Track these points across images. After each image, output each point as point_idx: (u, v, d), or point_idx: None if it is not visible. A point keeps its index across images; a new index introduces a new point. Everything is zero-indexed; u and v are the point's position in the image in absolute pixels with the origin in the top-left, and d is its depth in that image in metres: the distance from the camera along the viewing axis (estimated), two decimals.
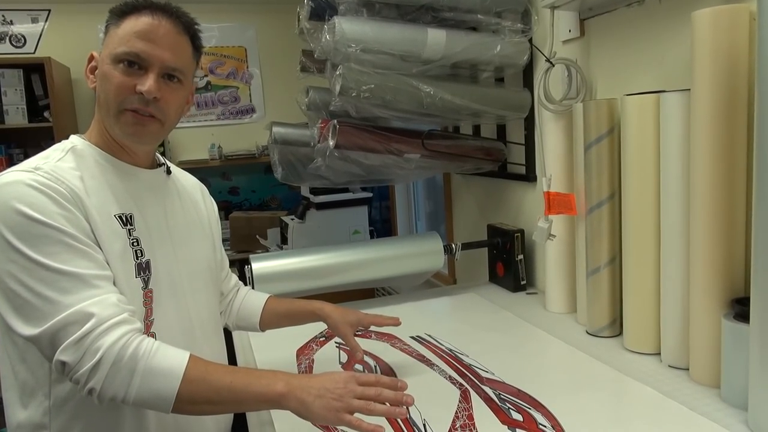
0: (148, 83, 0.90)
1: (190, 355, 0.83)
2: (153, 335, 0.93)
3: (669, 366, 1.19)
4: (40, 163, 0.88)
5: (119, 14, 0.93)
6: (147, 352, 0.80)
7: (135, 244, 0.92)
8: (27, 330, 0.80)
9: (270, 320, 1.22)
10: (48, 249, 0.81)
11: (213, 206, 1.20)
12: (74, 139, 0.97)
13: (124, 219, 0.92)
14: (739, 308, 1.02)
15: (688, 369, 1.15)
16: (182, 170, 1.17)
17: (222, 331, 1.14)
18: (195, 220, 1.09)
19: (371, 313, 1.24)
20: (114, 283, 0.86)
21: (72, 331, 0.78)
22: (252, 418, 1.12)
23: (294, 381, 0.84)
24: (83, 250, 0.83)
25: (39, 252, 0.80)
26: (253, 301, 1.23)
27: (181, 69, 0.95)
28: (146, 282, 0.93)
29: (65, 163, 0.91)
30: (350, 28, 1.49)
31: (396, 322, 1.22)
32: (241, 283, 1.29)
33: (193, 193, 1.13)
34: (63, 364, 0.78)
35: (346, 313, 1.20)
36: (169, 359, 0.81)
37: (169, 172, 1.07)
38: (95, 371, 0.78)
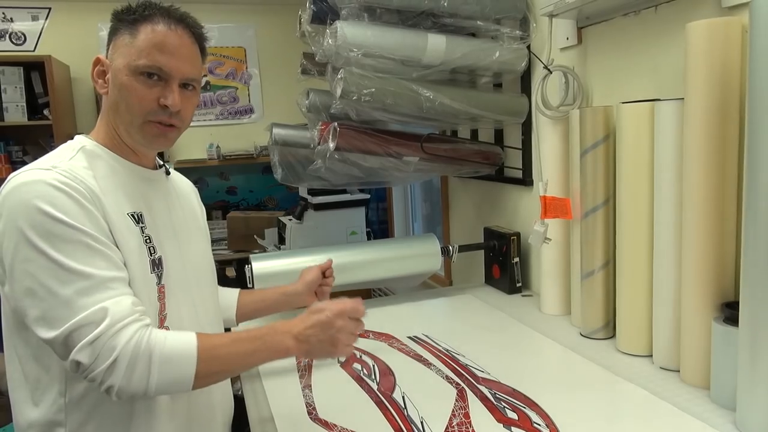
0: (171, 97, 0.93)
1: (197, 335, 0.87)
2: (167, 329, 0.95)
3: (660, 368, 1.22)
4: (56, 161, 0.89)
5: (131, 22, 0.93)
6: (158, 342, 0.83)
7: (148, 241, 0.95)
8: (43, 333, 0.81)
9: (245, 311, 1.28)
10: (67, 248, 0.82)
11: (203, 208, 1.23)
12: (82, 140, 0.98)
13: (136, 217, 0.94)
14: (729, 312, 1.05)
15: (678, 371, 1.18)
16: (176, 172, 1.19)
17: (222, 323, 1.17)
18: (193, 220, 1.13)
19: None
20: (129, 284, 0.88)
21: (87, 332, 0.80)
22: (253, 414, 1.14)
23: (296, 331, 0.94)
24: (101, 250, 0.85)
25: (58, 251, 0.81)
26: (226, 296, 1.27)
27: (197, 78, 0.99)
28: (159, 278, 0.95)
29: (77, 162, 0.92)
30: (352, 32, 1.51)
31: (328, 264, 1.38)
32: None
33: (188, 195, 1.17)
34: (78, 364, 0.80)
35: (305, 282, 1.32)
36: (180, 344, 0.85)
37: (168, 173, 1.10)
38: (111, 370, 0.80)
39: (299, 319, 0.96)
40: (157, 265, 0.95)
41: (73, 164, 0.90)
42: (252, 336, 0.93)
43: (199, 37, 0.99)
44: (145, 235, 0.94)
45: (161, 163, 1.09)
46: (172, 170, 1.15)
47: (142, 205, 0.97)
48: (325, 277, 1.35)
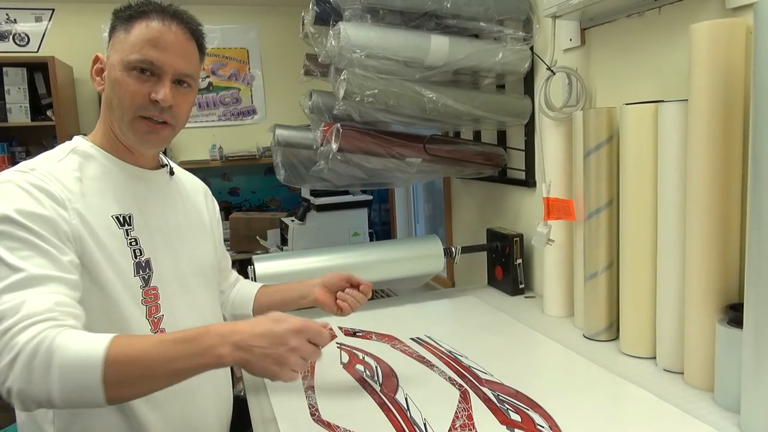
0: (163, 91, 0.92)
1: (113, 336, 0.76)
2: (162, 331, 0.95)
3: (664, 370, 1.21)
4: (39, 163, 0.91)
5: (127, 18, 0.94)
6: (62, 343, 0.74)
7: (133, 243, 0.94)
8: None
9: (262, 305, 1.23)
10: (11, 245, 0.81)
11: (215, 207, 1.22)
12: (78, 141, 0.99)
13: (121, 219, 0.94)
14: (733, 314, 1.04)
15: (682, 373, 1.17)
16: (186, 171, 1.19)
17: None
18: (197, 220, 1.11)
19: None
20: (77, 288, 0.84)
21: None
22: (255, 415, 1.14)
23: (236, 338, 0.79)
24: (47, 250, 0.82)
25: (4, 247, 0.80)
26: (247, 289, 1.26)
27: (192, 74, 0.97)
28: (146, 280, 0.95)
29: (65, 164, 0.93)
30: (355, 33, 1.51)
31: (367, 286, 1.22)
32: (240, 277, 1.31)
33: (195, 194, 1.15)
34: None
35: (321, 281, 1.21)
36: (86, 345, 0.75)
37: (172, 173, 1.09)
38: (10, 368, 0.73)
39: (248, 324, 0.81)
40: (143, 267, 0.94)
41: (60, 166, 0.92)
42: (180, 337, 0.79)
43: (194, 33, 0.98)
44: (130, 237, 0.94)
45: (164, 162, 1.09)
46: (180, 170, 1.15)
47: (133, 206, 0.97)
48: (353, 287, 1.21)
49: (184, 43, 0.96)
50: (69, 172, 0.92)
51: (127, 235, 0.94)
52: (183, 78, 0.96)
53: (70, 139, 1.00)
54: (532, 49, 1.73)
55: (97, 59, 0.98)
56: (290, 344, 0.80)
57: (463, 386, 1.19)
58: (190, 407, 0.99)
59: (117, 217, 0.94)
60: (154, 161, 1.05)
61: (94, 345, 0.74)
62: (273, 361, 0.80)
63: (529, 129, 1.83)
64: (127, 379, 0.76)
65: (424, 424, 1.04)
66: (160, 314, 0.95)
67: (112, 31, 0.96)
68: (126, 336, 0.79)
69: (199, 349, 0.77)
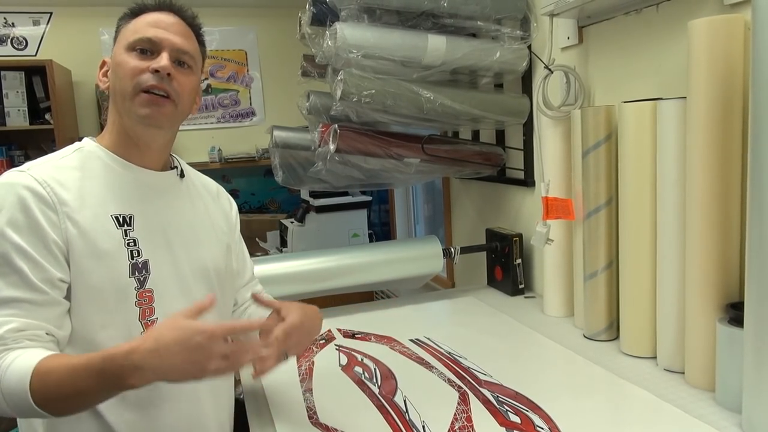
0: (162, 61, 0.94)
1: (38, 362, 0.79)
2: None
3: (665, 369, 1.21)
4: (38, 163, 0.93)
5: (129, 15, 0.99)
6: (2, 367, 0.79)
7: (131, 244, 0.94)
8: None
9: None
10: None
11: (231, 210, 1.20)
12: (85, 141, 1.00)
13: (120, 220, 0.94)
14: (734, 313, 1.04)
15: (683, 372, 1.17)
16: (201, 174, 1.18)
17: None
18: (205, 224, 1.09)
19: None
20: (50, 305, 0.86)
21: None
22: (253, 418, 1.13)
23: (145, 364, 0.74)
24: (19, 268, 0.84)
25: None
26: (253, 316, 1.19)
27: (191, 54, 0.99)
28: (142, 282, 0.94)
29: (66, 161, 0.94)
30: (351, 34, 1.50)
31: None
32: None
33: (206, 198, 1.13)
34: None
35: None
36: (16, 374, 0.78)
37: (182, 175, 1.08)
38: None
39: (151, 339, 0.76)
40: (139, 268, 0.94)
41: (61, 164, 0.93)
42: (90, 369, 0.77)
43: (192, 24, 1.02)
44: (129, 237, 0.94)
45: (175, 164, 1.08)
46: (194, 172, 1.14)
47: (135, 207, 0.96)
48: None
49: (181, 25, 1.00)
50: (69, 171, 0.92)
51: (126, 236, 0.93)
52: (182, 57, 0.97)
53: (73, 141, 1.02)
54: (529, 47, 1.72)
55: (104, 63, 1.01)
56: (205, 354, 0.74)
57: (462, 388, 1.18)
58: (186, 413, 0.98)
59: (116, 217, 0.93)
60: (161, 162, 1.04)
61: (22, 374, 0.78)
62: (191, 371, 0.76)
63: (528, 128, 1.82)
64: (58, 404, 0.79)
65: (423, 427, 1.03)
66: (154, 317, 0.94)
67: (117, 31, 1.00)
68: (49, 359, 0.79)
69: (106, 380, 0.76)
